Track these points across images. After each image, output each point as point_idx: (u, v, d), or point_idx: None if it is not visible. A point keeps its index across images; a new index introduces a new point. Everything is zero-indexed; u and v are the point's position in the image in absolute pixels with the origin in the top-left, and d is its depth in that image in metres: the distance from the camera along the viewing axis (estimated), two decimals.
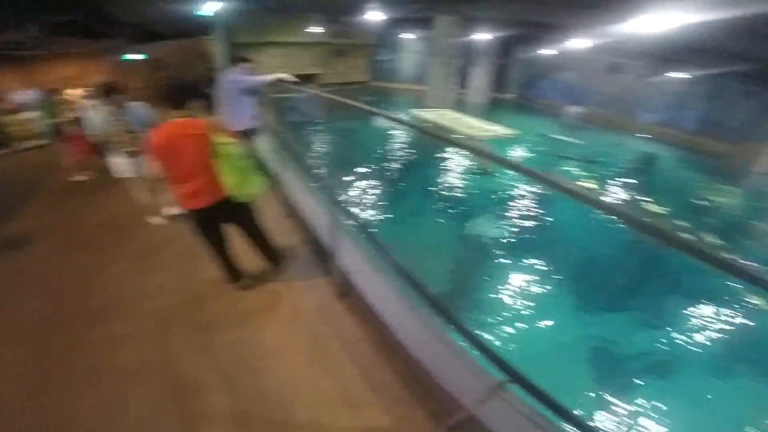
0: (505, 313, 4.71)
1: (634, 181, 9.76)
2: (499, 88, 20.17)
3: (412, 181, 8.54)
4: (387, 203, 7.28)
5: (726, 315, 5.20)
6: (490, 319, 4.61)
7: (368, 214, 6.78)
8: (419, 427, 1.61)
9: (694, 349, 4.62)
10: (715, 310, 5.23)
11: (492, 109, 16.81)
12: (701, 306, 5.30)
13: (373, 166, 9.00)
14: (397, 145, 11.13)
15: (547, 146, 12.13)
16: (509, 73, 20.61)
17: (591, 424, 1.06)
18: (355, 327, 2.18)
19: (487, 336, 4.28)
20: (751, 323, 5.11)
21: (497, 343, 4.25)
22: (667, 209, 8.16)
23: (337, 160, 9.28)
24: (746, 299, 5.46)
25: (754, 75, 11.38)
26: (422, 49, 19.79)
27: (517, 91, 20.88)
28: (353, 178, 8.24)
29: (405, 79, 21.48)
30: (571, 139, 13.06)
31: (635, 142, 14.84)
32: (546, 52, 17.94)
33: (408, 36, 20.35)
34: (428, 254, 5.57)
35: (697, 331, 4.88)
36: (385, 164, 9.41)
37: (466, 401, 1.51)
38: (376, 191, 7.79)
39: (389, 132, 12.11)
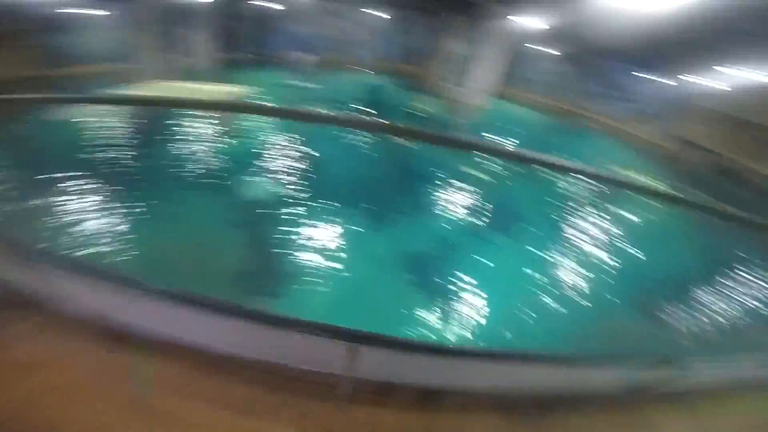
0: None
1: (366, 108, 11.66)
2: (231, 48, 19.37)
3: (150, 170, 7.04)
4: (130, 207, 5.73)
5: (458, 187, 7.30)
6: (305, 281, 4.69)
7: (104, 229, 5.23)
8: None
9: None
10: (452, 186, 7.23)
11: (226, 71, 16.09)
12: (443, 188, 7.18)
13: (79, 171, 6.55)
14: (107, 135, 8.57)
15: (286, 94, 12.76)
16: (239, 32, 19.90)
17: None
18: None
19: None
20: (477, 189, 7.42)
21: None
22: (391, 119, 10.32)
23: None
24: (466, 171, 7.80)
25: (428, 9, 15.04)
26: (119, 24, 16.34)
27: (251, 48, 20.61)
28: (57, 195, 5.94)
29: (96, 60, 17.40)
30: (307, 84, 14.26)
31: (361, 77, 17.60)
32: (273, 5, 18.23)
33: (94, 12, 16.25)
34: (211, 238, 5.05)
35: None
36: (101, 163, 7.16)
37: None
38: (106, 199, 5.97)
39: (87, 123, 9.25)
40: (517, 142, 11.29)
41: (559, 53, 16.96)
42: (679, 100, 14.79)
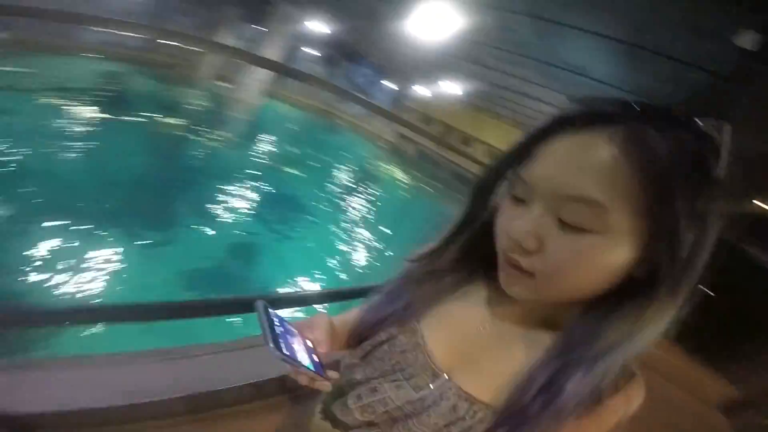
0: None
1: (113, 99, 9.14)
2: None
3: None
4: None
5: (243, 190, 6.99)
6: None
7: None
8: None
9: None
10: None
11: None
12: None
13: None
14: None
15: None
16: None
17: None
18: None
19: None
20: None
21: None
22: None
23: None
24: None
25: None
26: None
27: None
28: None
29: None
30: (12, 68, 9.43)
31: (88, 62, 12.98)
32: None
33: None
34: None
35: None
36: None
37: None
38: None
39: None
40: (286, 137, 12.24)
41: (319, 55, 18.52)
42: (401, 103, 19.70)
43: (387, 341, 0.57)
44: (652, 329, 0.43)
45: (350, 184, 10.58)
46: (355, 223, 8.13)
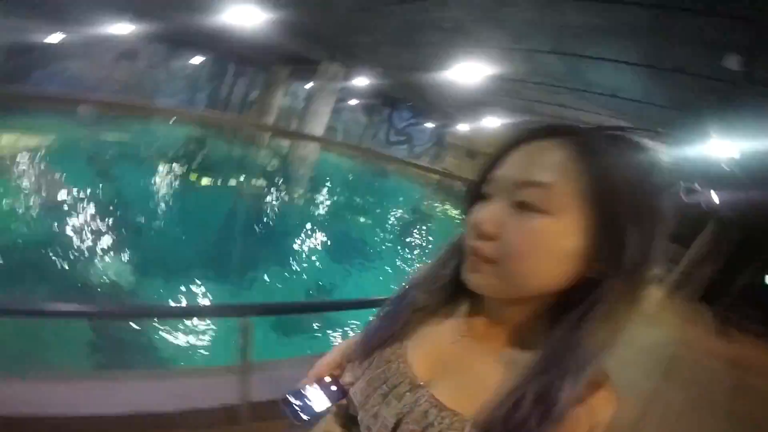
0: None
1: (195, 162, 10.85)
2: None
3: None
4: None
5: None
6: None
7: None
8: None
9: None
10: None
11: None
12: None
13: None
14: None
15: (85, 151, 9.44)
16: None
17: None
18: None
19: None
20: None
21: None
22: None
23: None
24: None
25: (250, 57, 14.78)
26: None
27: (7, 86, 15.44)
28: None
29: None
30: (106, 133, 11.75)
31: (166, 127, 15.40)
32: (47, 37, 14.28)
33: None
34: None
35: None
36: None
37: None
38: None
39: None
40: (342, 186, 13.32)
41: (357, 102, 20.01)
42: (442, 140, 20.66)
43: (378, 355, 0.61)
44: (621, 329, 0.45)
45: (407, 223, 11.36)
46: (418, 259, 8.74)
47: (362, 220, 10.17)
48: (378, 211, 11.53)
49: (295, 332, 4.74)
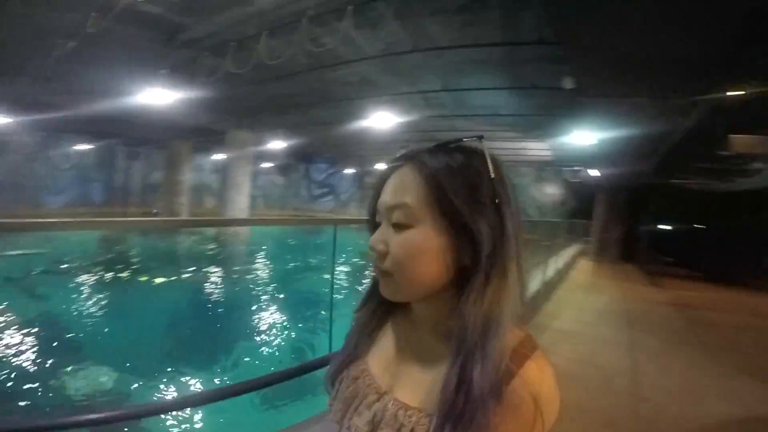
0: None
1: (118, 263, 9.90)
2: None
3: None
4: None
5: None
6: None
7: None
8: None
9: None
10: None
11: None
12: None
13: None
14: None
15: None
16: None
17: None
18: None
19: None
20: None
21: None
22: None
23: None
24: None
25: (135, 139, 13.54)
26: None
27: None
28: None
29: None
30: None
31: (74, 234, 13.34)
32: None
33: None
34: None
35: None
36: None
37: None
38: None
39: None
40: (287, 255, 13.00)
41: (272, 165, 19.74)
42: (363, 183, 21.56)
43: (345, 377, 0.66)
44: (504, 303, 0.51)
45: (361, 266, 11.10)
46: None
47: (316, 277, 10.13)
48: (322, 264, 11.45)
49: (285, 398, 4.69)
